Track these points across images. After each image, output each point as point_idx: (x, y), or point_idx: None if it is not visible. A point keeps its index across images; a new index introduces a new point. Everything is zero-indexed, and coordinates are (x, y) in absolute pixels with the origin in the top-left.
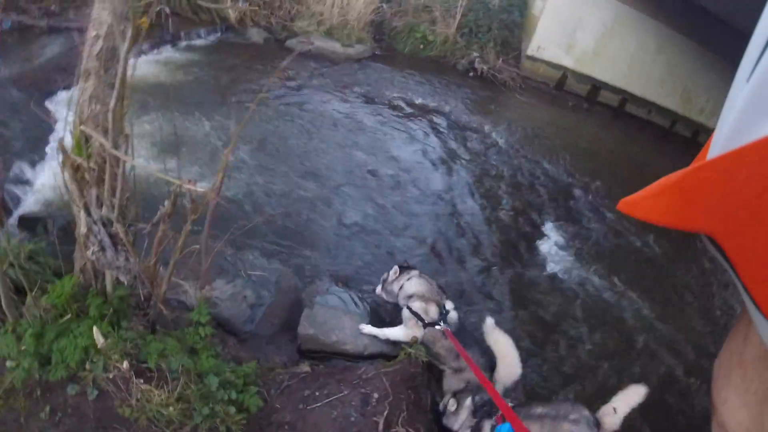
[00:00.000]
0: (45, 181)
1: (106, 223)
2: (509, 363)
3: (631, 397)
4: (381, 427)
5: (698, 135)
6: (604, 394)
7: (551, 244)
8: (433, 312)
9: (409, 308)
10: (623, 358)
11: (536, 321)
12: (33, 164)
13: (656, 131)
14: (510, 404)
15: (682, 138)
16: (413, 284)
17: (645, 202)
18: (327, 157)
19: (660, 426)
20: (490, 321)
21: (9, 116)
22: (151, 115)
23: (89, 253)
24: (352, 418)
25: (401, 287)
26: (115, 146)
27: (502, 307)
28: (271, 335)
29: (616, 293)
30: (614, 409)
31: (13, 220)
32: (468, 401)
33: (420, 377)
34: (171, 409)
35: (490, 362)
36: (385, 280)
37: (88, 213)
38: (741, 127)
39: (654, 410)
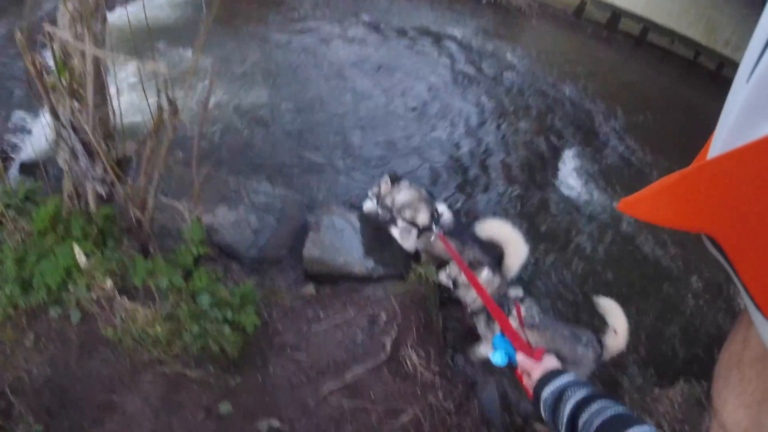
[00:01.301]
0: (43, 129)
1: (78, 129)
2: (514, 247)
3: (619, 316)
4: (388, 348)
5: (722, 68)
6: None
7: (569, 168)
8: (424, 218)
9: (402, 218)
10: (632, 283)
11: (547, 238)
12: (32, 112)
13: (679, 62)
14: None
15: (706, 70)
16: (402, 195)
17: (645, 202)
18: (334, 85)
19: (659, 349)
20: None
21: (8, 67)
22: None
23: (60, 161)
24: (358, 340)
25: (393, 200)
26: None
27: (512, 222)
28: (277, 261)
29: (632, 223)
30: (615, 331)
31: (14, 167)
32: (485, 275)
33: (431, 298)
34: (158, 328)
35: (493, 257)
36: (378, 195)
37: (56, 117)
38: (741, 127)
39: (655, 335)
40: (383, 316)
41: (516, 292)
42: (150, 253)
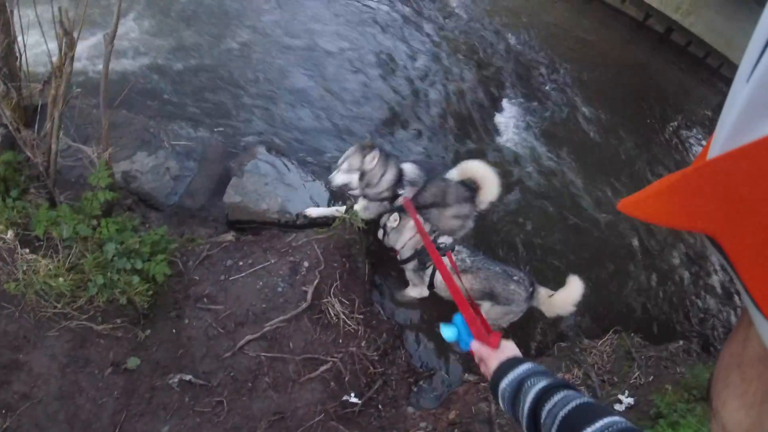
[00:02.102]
0: None
1: None
2: (488, 182)
3: (571, 292)
4: (310, 297)
5: (671, 32)
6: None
7: (508, 118)
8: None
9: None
10: (562, 231)
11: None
12: None
13: (629, 22)
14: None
15: (656, 33)
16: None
17: (645, 203)
18: (266, 26)
19: (591, 299)
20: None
21: None
22: None
23: None
24: (279, 289)
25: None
26: None
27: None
28: (198, 208)
29: (569, 171)
30: (550, 295)
31: None
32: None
33: (357, 245)
34: (61, 280)
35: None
36: (363, 171)
37: None
38: (741, 127)
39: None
40: (305, 264)
41: (446, 239)
42: (60, 203)
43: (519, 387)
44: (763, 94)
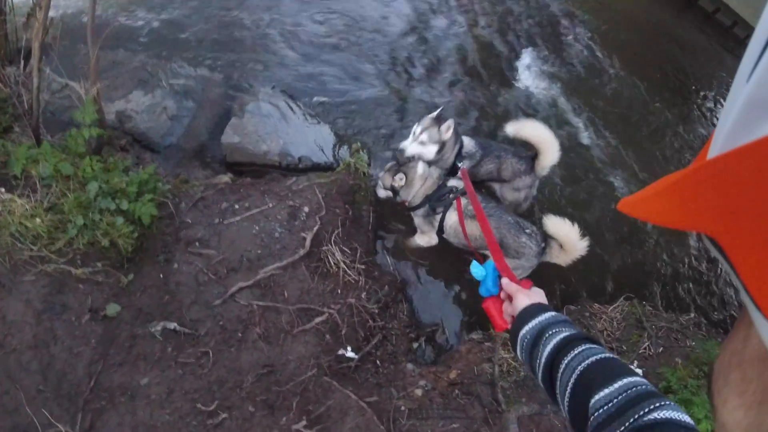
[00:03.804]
0: None
1: None
2: (547, 146)
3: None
4: (308, 243)
5: (717, 13)
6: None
7: (527, 66)
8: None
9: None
10: (580, 190)
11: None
12: None
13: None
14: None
15: (704, 12)
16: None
17: (645, 203)
18: None
19: (604, 265)
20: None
21: None
22: None
23: None
24: (276, 234)
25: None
26: None
27: (464, 120)
28: (195, 149)
29: (585, 122)
30: (561, 245)
31: None
32: (421, 170)
33: (361, 192)
34: (38, 221)
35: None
36: (443, 142)
37: None
38: (741, 127)
39: (601, 249)
40: (305, 209)
41: (457, 183)
42: (47, 142)
43: (539, 335)
44: (763, 94)
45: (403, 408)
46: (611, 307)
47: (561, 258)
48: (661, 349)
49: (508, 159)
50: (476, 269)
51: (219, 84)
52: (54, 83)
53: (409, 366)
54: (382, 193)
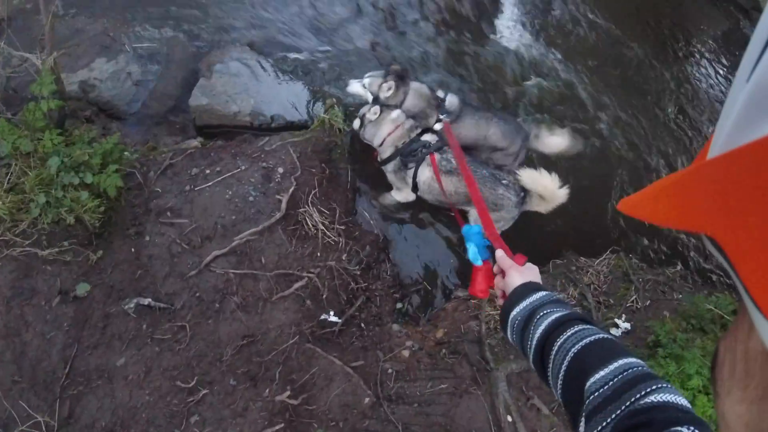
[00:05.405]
0: None
1: None
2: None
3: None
4: (284, 206)
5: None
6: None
7: (508, 19)
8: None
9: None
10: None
11: (485, 89)
12: None
13: None
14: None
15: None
16: (410, 102)
17: (645, 203)
18: None
19: (590, 218)
20: None
21: None
22: None
23: None
24: (251, 198)
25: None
26: None
27: (444, 75)
28: (163, 114)
29: (572, 74)
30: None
31: None
32: (395, 114)
33: (338, 149)
34: None
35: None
36: (376, 97)
37: None
38: (741, 127)
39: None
40: (279, 170)
41: (431, 138)
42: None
43: (531, 316)
44: (763, 94)
45: (390, 370)
46: (597, 261)
47: (542, 206)
48: (648, 302)
49: (496, 121)
50: (472, 253)
51: (185, 44)
52: (14, 59)
53: (395, 327)
54: (356, 124)
